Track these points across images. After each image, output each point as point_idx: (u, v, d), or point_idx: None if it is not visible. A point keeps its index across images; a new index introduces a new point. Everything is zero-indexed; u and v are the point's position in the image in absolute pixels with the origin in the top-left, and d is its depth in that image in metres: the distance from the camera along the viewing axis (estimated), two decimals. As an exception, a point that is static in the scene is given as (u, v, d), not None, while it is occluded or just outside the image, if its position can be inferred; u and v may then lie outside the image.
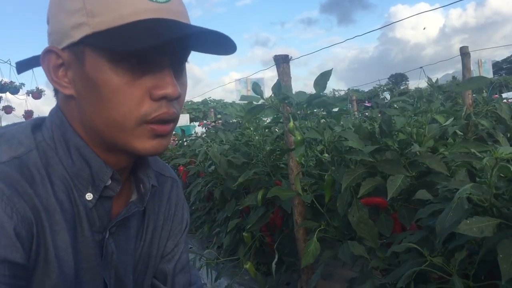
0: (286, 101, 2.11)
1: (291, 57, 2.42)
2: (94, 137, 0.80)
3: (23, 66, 0.89)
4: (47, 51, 0.78)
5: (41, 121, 0.85)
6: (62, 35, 0.75)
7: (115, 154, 0.81)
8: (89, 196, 0.81)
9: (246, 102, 2.36)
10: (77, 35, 0.73)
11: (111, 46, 0.69)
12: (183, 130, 6.55)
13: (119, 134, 0.76)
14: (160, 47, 0.72)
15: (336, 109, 2.19)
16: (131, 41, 0.68)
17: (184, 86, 0.81)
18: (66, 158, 0.79)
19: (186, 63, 0.81)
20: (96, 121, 0.77)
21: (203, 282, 3.04)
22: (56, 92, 0.84)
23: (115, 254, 0.86)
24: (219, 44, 0.77)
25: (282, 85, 2.12)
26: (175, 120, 0.79)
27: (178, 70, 0.79)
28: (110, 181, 0.82)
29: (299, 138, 2.00)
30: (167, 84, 0.73)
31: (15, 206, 0.69)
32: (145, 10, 0.71)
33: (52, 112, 0.84)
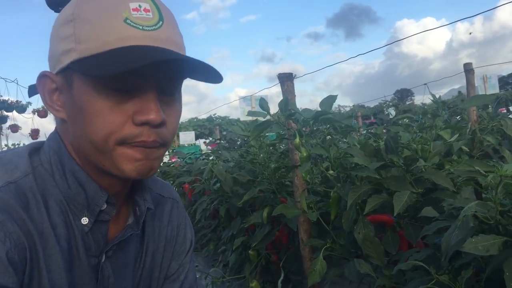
0: (292, 118, 2.12)
1: (295, 75, 2.44)
2: (85, 161, 0.81)
3: (34, 89, 0.91)
4: (42, 76, 0.81)
5: (39, 145, 0.86)
6: (55, 60, 0.78)
7: (107, 178, 0.82)
8: (84, 220, 0.81)
9: (252, 119, 2.37)
10: (66, 60, 0.75)
11: (92, 71, 0.71)
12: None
13: (102, 156, 0.77)
14: (144, 74, 0.73)
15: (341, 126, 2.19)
16: (108, 67, 0.69)
17: (175, 113, 0.82)
18: (62, 182, 0.80)
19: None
20: (83, 144, 0.78)
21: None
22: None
23: (112, 278, 0.86)
24: (207, 73, 0.78)
25: (288, 102, 2.12)
26: (158, 146, 0.79)
27: (167, 98, 0.79)
28: (105, 205, 0.83)
29: (305, 154, 2.00)
30: (150, 110, 0.74)
31: (8, 231, 0.69)
32: (128, 37, 0.72)
33: (51, 136, 0.86)
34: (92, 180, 0.81)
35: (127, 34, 0.72)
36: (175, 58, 0.73)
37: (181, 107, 0.84)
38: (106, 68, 0.69)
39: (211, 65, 0.75)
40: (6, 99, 10.67)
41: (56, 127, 0.86)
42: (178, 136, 12.53)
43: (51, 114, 0.84)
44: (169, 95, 0.80)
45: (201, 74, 0.79)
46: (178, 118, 0.83)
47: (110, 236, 0.87)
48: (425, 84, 5.58)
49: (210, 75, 0.78)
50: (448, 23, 3.04)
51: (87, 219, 0.81)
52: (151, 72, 0.74)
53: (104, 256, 0.85)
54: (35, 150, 0.84)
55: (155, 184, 1.05)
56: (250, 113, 2.27)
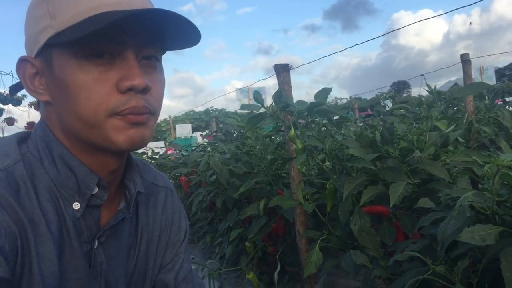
0: (287, 110, 2.11)
1: (292, 66, 2.42)
2: (75, 141, 0.80)
3: (15, 89, 0.90)
4: (21, 61, 0.80)
5: (26, 134, 0.85)
6: (33, 42, 0.78)
7: (100, 156, 0.81)
8: (76, 206, 0.80)
9: (246, 111, 2.36)
10: (43, 38, 0.75)
11: (69, 38, 0.70)
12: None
13: (93, 130, 0.76)
14: (123, 40, 0.73)
15: (336, 117, 2.18)
16: (85, 30, 0.69)
17: (159, 82, 0.81)
18: (51, 168, 0.79)
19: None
20: (70, 122, 0.77)
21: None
22: (38, 105, 0.85)
23: (105, 264, 0.85)
24: (184, 32, 0.77)
25: (283, 94, 2.11)
26: (149, 113, 0.78)
27: (148, 67, 0.79)
28: (96, 189, 0.82)
29: (300, 146, 1.99)
30: (133, 75, 0.74)
31: None
32: (101, 5, 0.72)
33: (37, 125, 0.85)
34: (82, 163, 0.80)
35: (100, 2, 0.72)
36: (149, 9, 0.72)
37: (164, 78, 0.84)
38: (82, 31, 0.69)
39: (186, 17, 0.73)
40: (2, 92, 10.61)
41: (41, 116, 0.85)
42: (174, 129, 12.51)
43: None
44: (150, 64, 0.80)
45: (179, 35, 0.78)
46: (162, 87, 0.83)
47: (103, 223, 0.86)
48: (421, 75, 5.57)
49: (187, 34, 0.78)
50: (443, 13, 3.02)
51: (79, 204, 0.80)
52: (130, 38, 0.74)
53: (96, 242, 0.84)
54: (22, 139, 0.84)
55: (148, 173, 1.04)
56: (243, 107, 2.25)
